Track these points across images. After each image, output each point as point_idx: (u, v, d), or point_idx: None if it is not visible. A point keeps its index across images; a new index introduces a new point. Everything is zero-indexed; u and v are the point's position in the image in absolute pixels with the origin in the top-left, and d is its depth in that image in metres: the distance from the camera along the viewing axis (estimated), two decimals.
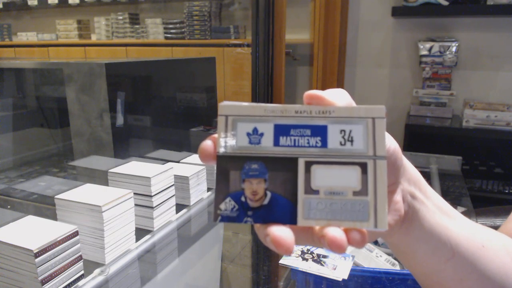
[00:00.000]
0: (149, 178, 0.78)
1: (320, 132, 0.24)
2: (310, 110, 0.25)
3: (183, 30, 2.93)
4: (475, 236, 0.35)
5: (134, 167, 0.84)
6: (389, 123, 2.30)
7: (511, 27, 2.03)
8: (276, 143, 0.25)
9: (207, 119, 1.33)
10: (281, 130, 0.25)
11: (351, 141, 0.24)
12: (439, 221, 0.33)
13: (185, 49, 2.82)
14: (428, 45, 2.06)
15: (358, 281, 0.69)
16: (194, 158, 1.07)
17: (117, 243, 0.71)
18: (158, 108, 1.08)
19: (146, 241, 0.78)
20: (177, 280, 0.75)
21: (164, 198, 0.83)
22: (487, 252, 0.35)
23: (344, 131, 0.24)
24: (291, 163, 0.24)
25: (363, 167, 0.24)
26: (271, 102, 1.67)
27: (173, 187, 0.86)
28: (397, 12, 2.10)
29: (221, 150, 0.25)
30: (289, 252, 0.23)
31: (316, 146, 0.24)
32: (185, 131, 1.23)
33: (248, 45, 2.24)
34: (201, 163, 1.05)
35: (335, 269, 0.69)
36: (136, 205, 0.77)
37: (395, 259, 0.81)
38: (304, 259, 0.73)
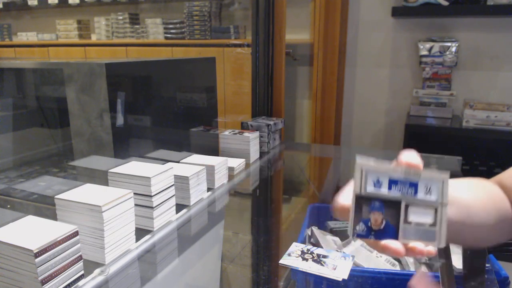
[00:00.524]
0: (149, 178, 0.78)
1: (414, 185, 0.41)
2: (409, 170, 0.41)
3: (183, 30, 2.93)
4: (469, 198, 0.52)
5: (134, 167, 0.84)
6: (389, 123, 2.31)
7: (511, 27, 2.03)
8: (389, 189, 0.40)
9: (207, 119, 1.33)
10: (393, 182, 0.40)
11: (430, 193, 0.41)
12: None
13: (185, 49, 2.83)
14: (428, 45, 2.07)
15: (358, 281, 0.69)
16: (194, 158, 1.07)
17: (117, 243, 0.71)
18: (158, 108, 1.08)
19: (146, 241, 0.78)
20: (177, 280, 0.75)
21: (164, 198, 0.83)
22: (473, 211, 0.51)
23: (426, 186, 0.41)
24: (397, 203, 0.40)
25: (435, 209, 0.41)
26: (271, 102, 1.67)
27: (173, 187, 0.86)
28: (397, 12, 2.10)
29: (358, 192, 0.40)
30: (399, 254, 0.41)
31: (411, 194, 0.41)
32: (185, 131, 1.23)
33: (248, 45, 2.25)
34: (201, 163, 1.05)
35: (335, 269, 0.69)
36: (136, 205, 0.77)
37: (395, 259, 0.81)
38: (304, 259, 0.73)
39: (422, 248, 0.41)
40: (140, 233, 0.79)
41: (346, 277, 0.67)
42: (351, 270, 0.69)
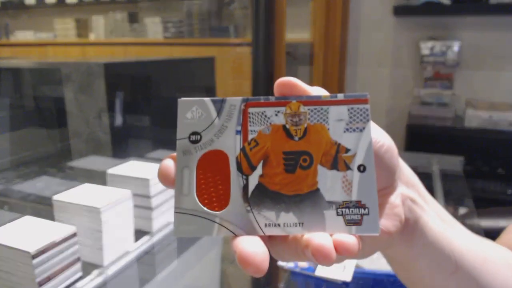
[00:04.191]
0: (148, 179, 0.78)
1: None
2: None
3: (182, 29, 2.92)
4: (476, 249, 0.33)
5: (132, 167, 0.83)
6: (390, 123, 2.30)
7: None
8: None
9: None
10: None
11: None
12: (441, 230, 0.31)
13: (185, 48, 2.81)
14: (430, 44, 2.06)
15: (359, 283, 0.69)
16: None
17: (115, 245, 0.70)
18: (156, 108, 1.07)
19: (145, 243, 0.78)
20: (176, 282, 0.74)
21: (163, 199, 0.82)
22: (490, 266, 0.33)
23: None
24: None
25: None
26: None
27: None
28: (398, 11, 2.09)
29: None
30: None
31: None
32: None
33: (248, 45, 2.24)
34: None
35: (336, 271, 0.69)
36: (135, 206, 0.76)
37: None
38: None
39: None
40: (139, 234, 0.78)
41: (348, 279, 0.67)
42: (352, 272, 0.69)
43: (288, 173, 0.23)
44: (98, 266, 0.68)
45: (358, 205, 0.22)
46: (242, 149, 0.23)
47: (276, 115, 0.23)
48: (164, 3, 3.09)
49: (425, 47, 2.07)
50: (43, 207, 0.88)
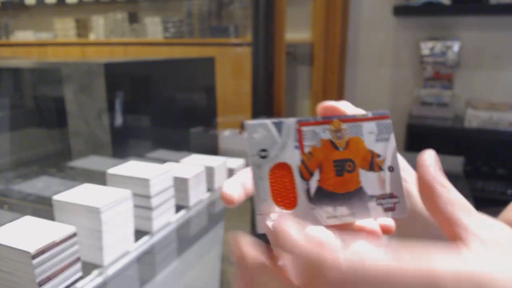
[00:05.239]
0: (148, 179, 0.77)
1: None
2: None
3: (182, 29, 2.92)
4: None
5: (132, 167, 0.83)
6: None
7: None
8: None
9: (206, 119, 1.32)
10: None
11: None
12: None
13: (185, 48, 2.81)
14: (430, 44, 2.06)
15: None
16: (194, 158, 1.06)
17: (115, 245, 0.70)
18: (156, 108, 1.07)
19: (145, 243, 0.77)
20: (176, 282, 0.74)
21: (163, 199, 0.82)
22: None
23: None
24: None
25: None
26: (272, 102, 1.66)
27: (172, 188, 0.85)
28: (398, 11, 2.09)
29: None
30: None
31: None
32: (184, 131, 1.22)
33: (248, 45, 2.24)
34: (200, 163, 1.03)
35: None
36: (135, 206, 0.76)
37: None
38: None
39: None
40: (139, 234, 0.78)
41: None
42: None
43: (338, 177, 0.29)
44: (98, 266, 0.68)
45: (391, 196, 0.29)
46: (302, 161, 0.28)
47: (324, 131, 0.29)
48: (164, 3, 3.09)
49: (425, 47, 2.07)
50: (43, 207, 0.88)
